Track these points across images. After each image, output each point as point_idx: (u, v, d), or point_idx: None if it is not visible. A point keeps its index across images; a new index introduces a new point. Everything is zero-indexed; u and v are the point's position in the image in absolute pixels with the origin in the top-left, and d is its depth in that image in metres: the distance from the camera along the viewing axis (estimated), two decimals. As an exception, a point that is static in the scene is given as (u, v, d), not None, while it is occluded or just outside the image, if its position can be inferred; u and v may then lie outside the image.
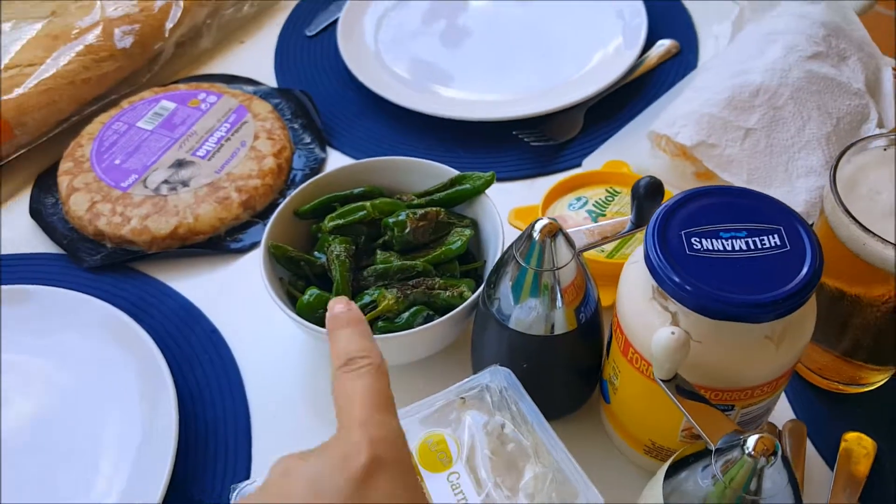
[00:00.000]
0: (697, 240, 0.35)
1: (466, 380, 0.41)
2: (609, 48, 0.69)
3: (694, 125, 0.57)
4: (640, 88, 0.67)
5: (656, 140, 0.59)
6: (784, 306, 0.33)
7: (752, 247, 0.35)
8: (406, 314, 0.46)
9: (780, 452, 0.31)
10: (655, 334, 0.34)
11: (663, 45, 0.70)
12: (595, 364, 0.44)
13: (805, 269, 0.34)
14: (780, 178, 0.56)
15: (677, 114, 0.58)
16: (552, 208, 0.54)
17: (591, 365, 0.44)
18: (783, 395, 0.48)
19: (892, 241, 0.38)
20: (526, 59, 0.69)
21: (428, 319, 0.46)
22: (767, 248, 0.35)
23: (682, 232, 0.36)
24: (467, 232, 0.50)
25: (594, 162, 0.61)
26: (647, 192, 0.40)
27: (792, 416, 0.47)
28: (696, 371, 0.36)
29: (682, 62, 0.69)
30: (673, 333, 0.33)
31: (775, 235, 0.35)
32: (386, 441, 0.29)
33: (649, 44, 0.70)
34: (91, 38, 0.65)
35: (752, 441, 0.31)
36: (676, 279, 0.34)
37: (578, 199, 0.54)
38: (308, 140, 0.64)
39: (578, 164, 0.61)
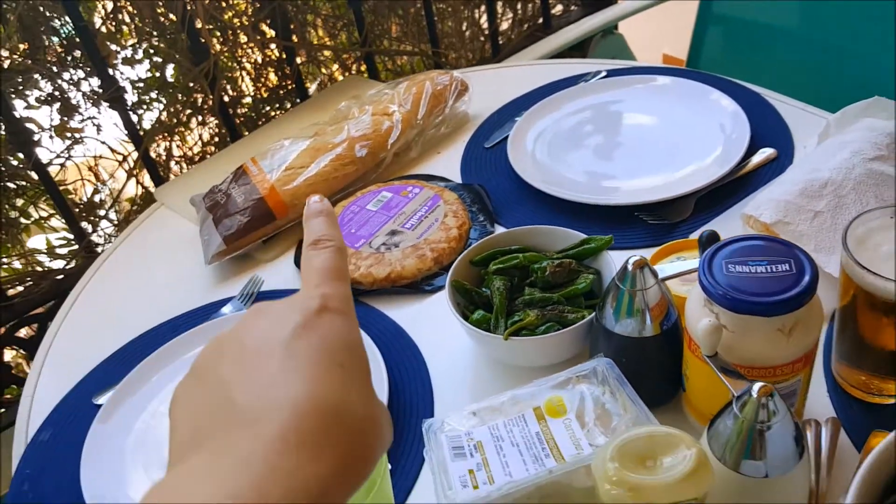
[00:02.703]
0: (733, 266, 0.54)
1: (581, 365, 0.61)
2: (718, 151, 0.89)
3: (774, 208, 0.74)
4: (741, 184, 0.85)
5: (746, 219, 0.77)
6: (786, 306, 0.51)
7: (770, 270, 0.53)
8: (542, 327, 0.67)
9: (776, 394, 0.48)
10: (699, 323, 0.52)
11: (765, 152, 0.89)
12: (675, 364, 0.62)
13: (803, 282, 0.51)
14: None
15: (762, 199, 0.76)
16: (657, 264, 0.73)
17: (672, 364, 0.62)
18: (828, 398, 0.62)
19: (890, 277, 0.54)
20: (649, 157, 0.91)
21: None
22: (780, 271, 0.53)
23: (723, 261, 0.55)
24: (591, 277, 0.71)
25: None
26: (707, 240, 0.59)
27: (833, 415, 0.61)
28: (731, 353, 0.53)
29: (779, 166, 0.87)
30: (709, 321, 0.52)
31: (787, 264, 0.53)
32: (335, 298, 0.35)
33: (754, 149, 0.88)
34: (340, 150, 0.95)
35: (756, 386, 0.48)
36: (714, 289, 0.53)
37: (679, 257, 0.73)
38: (482, 219, 0.89)
39: (685, 240, 0.80)
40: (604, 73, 1.07)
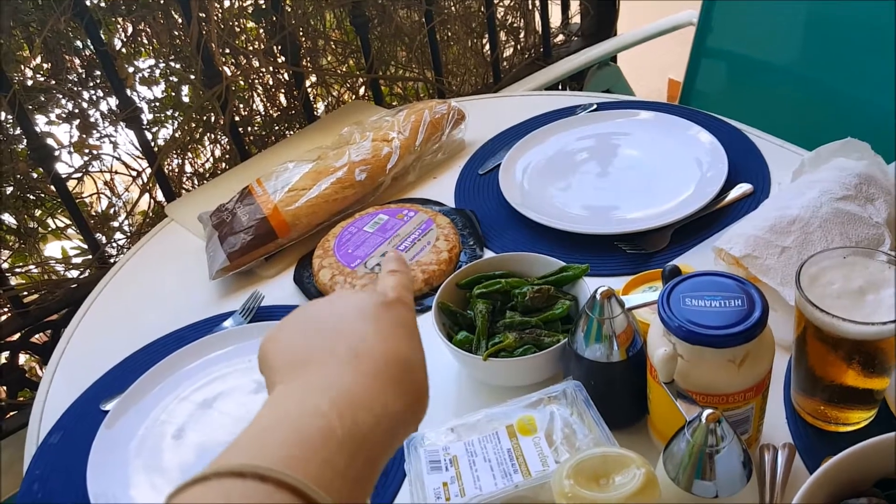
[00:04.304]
0: (690, 299, 0.58)
1: (553, 386, 0.66)
2: (696, 185, 0.93)
3: (744, 242, 0.79)
4: (718, 217, 0.90)
5: (717, 252, 0.81)
6: (736, 338, 0.55)
7: (723, 305, 0.57)
8: (520, 350, 0.72)
9: (724, 421, 0.53)
10: (657, 351, 0.57)
11: (742, 188, 0.93)
12: (641, 388, 0.66)
13: (753, 317, 0.56)
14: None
15: (733, 233, 0.81)
16: (631, 292, 0.78)
17: (637, 388, 0.66)
18: (786, 425, 0.67)
19: (835, 314, 0.58)
20: (631, 188, 0.96)
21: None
22: (732, 306, 0.57)
23: (681, 295, 0.59)
24: (568, 303, 0.75)
25: (673, 267, 0.84)
26: (670, 273, 0.64)
27: (791, 441, 0.65)
28: (686, 380, 0.58)
29: (755, 201, 0.91)
30: (665, 350, 0.57)
31: (739, 300, 0.58)
32: (406, 297, 0.47)
33: (732, 184, 0.93)
34: (341, 173, 1.01)
35: (705, 413, 0.53)
36: (671, 321, 0.57)
37: (651, 287, 0.77)
38: (472, 243, 0.94)
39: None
40: (594, 106, 1.12)
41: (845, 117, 1.27)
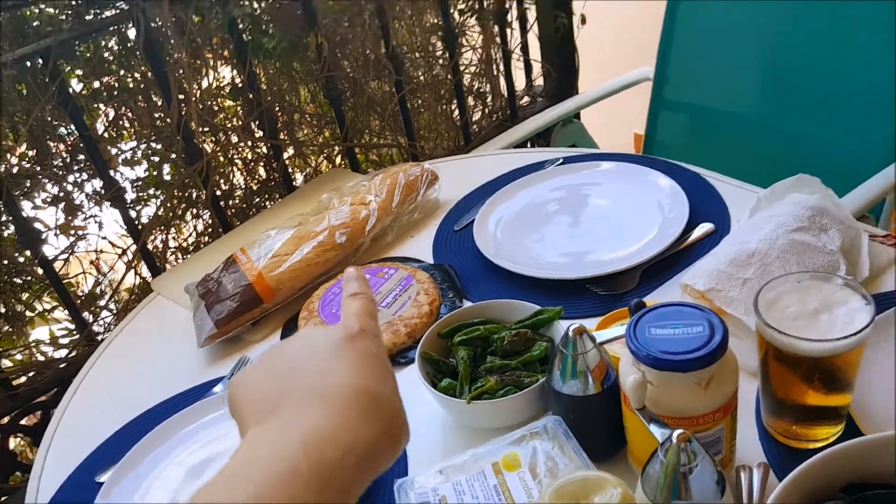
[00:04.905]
0: (655, 329, 0.62)
1: (534, 423, 0.68)
2: (659, 228, 0.98)
3: (707, 277, 0.83)
4: (683, 256, 0.94)
5: (683, 288, 0.85)
6: (700, 362, 0.59)
7: (686, 332, 0.61)
8: (501, 391, 0.75)
9: (694, 440, 0.56)
10: (627, 379, 0.60)
11: (704, 227, 0.98)
12: (617, 418, 0.69)
13: (714, 341, 0.59)
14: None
15: (697, 270, 0.85)
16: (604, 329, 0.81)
17: (614, 418, 0.69)
18: (759, 445, 0.69)
19: (791, 334, 0.62)
20: (599, 234, 1.01)
21: (515, 394, 0.74)
22: (694, 333, 0.61)
23: (647, 325, 0.63)
24: (545, 344, 0.79)
25: (644, 305, 0.88)
26: (636, 307, 0.68)
27: (764, 460, 0.68)
28: (657, 405, 0.61)
29: (716, 239, 0.96)
30: (635, 378, 0.60)
31: (700, 326, 0.61)
32: (370, 326, 0.49)
33: (695, 224, 0.98)
34: (321, 237, 1.05)
35: (676, 433, 0.56)
36: (638, 350, 0.61)
37: (621, 324, 0.81)
38: (451, 295, 0.97)
39: (633, 308, 0.88)
40: (560, 161, 1.18)
41: (798, 156, 1.34)
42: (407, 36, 1.56)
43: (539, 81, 1.79)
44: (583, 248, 0.99)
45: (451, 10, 1.60)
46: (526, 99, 1.77)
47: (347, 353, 0.46)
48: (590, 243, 1.00)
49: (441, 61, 1.61)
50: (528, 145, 1.69)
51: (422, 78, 1.61)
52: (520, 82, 1.80)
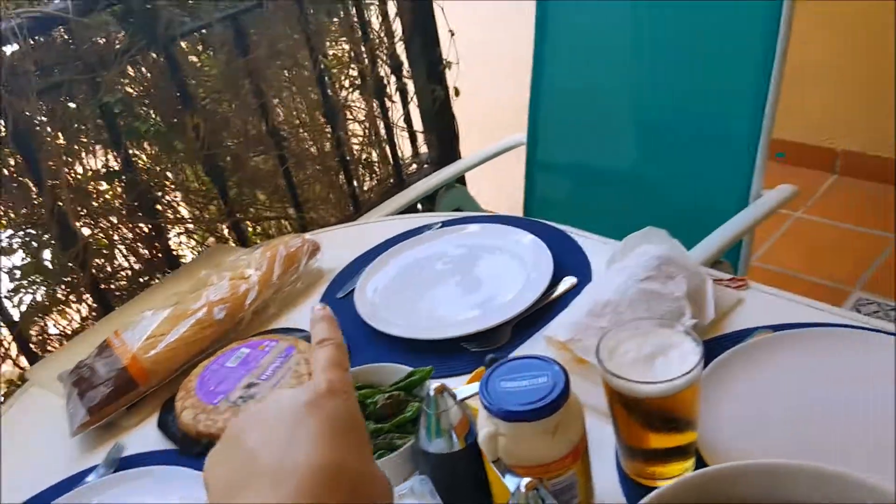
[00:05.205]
0: (504, 382, 0.66)
1: (401, 485, 0.70)
2: (526, 283, 1.03)
3: (567, 328, 0.88)
4: (550, 309, 0.99)
5: (547, 340, 0.90)
6: (544, 411, 0.62)
7: (531, 383, 0.65)
8: (374, 455, 0.76)
9: (541, 487, 0.59)
10: (480, 433, 0.63)
11: (568, 281, 1.04)
12: (482, 473, 0.72)
13: (556, 390, 0.63)
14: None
15: (558, 322, 0.90)
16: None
17: (480, 474, 0.72)
18: (619, 488, 0.73)
19: (628, 378, 0.67)
20: (470, 293, 1.06)
21: (386, 457, 0.75)
22: (539, 383, 0.65)
23: (497, 379, 0.66)
24: (417, 404, 0.81)
25: (514, 360, 0.92)
26: (489, 363, 0.72)
27: (624, 502, 0.72)
28: (510, 456, 0.64)
29: (580, 291, 1.02)
30: (487, 430, 0.63)
31: (544, 376, 0.65)
32: (338, 381, 0.47)
33: (560, 279, 1.04)
34: (200, 314, 1.04)
35: (523, 482, 0.59)
36: (489, 404, 0.64)
37: (490, 381, 0.84)
38: (331, 364, 0.99)
39: (505, 363, 0.92)
40: (440, 224, 1.23)
41: (662, 205, 1.44)
42: (291, 112, 1.60)
43: (424, 149, 1.86)
44: (455, 308, 1.03)
45: (336, 85, 1.66)
46: (414, 166, 1.84)
47: (310, 421, 0.45)
48: (459, 302, 1.04)
49: (327, 135, 1.66)
50: (420, 209, 1.74)
51: (313, 150, 1.64)
52: (409, 150, 1.87)
